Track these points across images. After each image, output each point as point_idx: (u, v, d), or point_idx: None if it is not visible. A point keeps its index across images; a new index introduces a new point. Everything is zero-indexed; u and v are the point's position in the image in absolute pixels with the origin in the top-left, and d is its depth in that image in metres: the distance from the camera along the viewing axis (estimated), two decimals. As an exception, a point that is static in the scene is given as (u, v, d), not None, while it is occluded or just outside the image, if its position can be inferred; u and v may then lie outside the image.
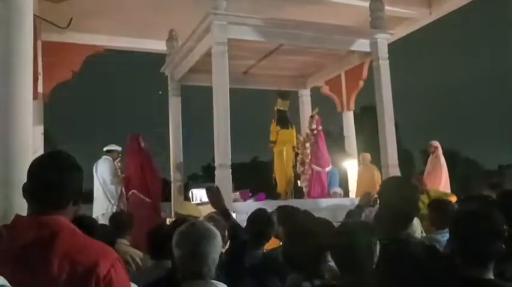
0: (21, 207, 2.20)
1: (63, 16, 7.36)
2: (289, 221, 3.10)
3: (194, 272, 2.01)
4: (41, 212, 1.55)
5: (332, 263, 2.18)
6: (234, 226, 3.12)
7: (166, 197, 7.97)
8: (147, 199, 6.82)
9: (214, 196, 3.20)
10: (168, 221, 7.10)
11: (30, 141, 3.53)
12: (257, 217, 3.12)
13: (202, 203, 5.60)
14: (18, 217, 1.58)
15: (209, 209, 3.52)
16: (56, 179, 1.59)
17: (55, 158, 1.66)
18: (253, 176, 20.18)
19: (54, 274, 1.44)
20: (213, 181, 5.60)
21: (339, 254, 2.11)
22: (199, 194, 6.49)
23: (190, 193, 7.04)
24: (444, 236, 3.53)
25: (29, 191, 1.60)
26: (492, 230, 1.87)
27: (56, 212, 1.56)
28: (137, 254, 3.92)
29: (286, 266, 2.31)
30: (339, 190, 7.66)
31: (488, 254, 1.85)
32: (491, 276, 1.88)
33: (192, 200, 6.71)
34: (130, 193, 6.91)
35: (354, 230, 2.12)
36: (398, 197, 2.33)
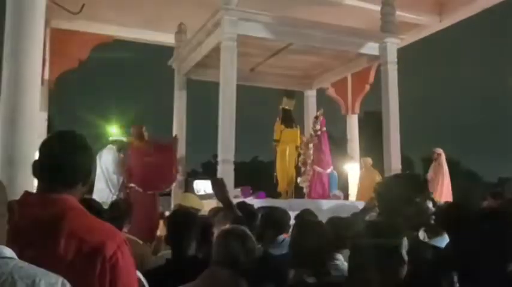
0: (25, 186, 2.18)
1: (74, 3, 7.36)
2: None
3: None
4: (50, 190, 1.54)
5: (338, 262, 2.16)
6: (237, 219, 3.11)
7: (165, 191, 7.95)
8: (142, 191, 6.73)
9: (220, 188, 3.19)
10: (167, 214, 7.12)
11: (37, 123, 3.53)
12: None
13: (205, 195, 5.60)
14: (27, 194, 1.57)
15: (211, 202, 3.52)
16: (67, 159, 1.58)
17: (67, 137, 1.65)
18: (253, 175, 20.18)
19: (60, 253, 1.42)
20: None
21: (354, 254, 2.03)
22: (202, 186, 6.49)
23: (194, 183, 7.03)
24: (441, 242, 3.48)
25: (39, 168, 1.58)
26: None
27: (65, 191, 1.55)
28: (138, 243, 3.90)
29: (293, 262, 2.29)
30: (338, 193, 7.65)
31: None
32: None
33: (196, 192, 6.71)
34: (130, 185, 6.88)
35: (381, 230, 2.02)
36: (396, 195, 2.14)
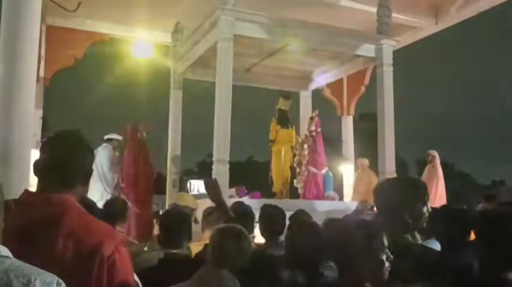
0: (20, 184, 2.16)
1: (71, 1, 7.34)
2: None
3: None
4: (50, 189, 1.55)
5: (333, 263, 2.15)
6: (230, 220, 3.10)
7: (160, 190, 7.95)
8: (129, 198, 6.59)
9: (213, 189, 3.16)
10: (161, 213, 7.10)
11: (32, 121, 3.52)
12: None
13: (200, 195, 5.59)
14: (27, 193, 1.57)
15: (207, 201, 3.52)
16: (68, 159, 1.60)
17: (68, 137, 1.67)
18: (248, 175, 20.16)
19: (59, 252, 1.43)
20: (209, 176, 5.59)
21: (335, 252, 2.08)
22: (197, 185, 6.46)
23: (188, 183, 7.01)
24: (433, 244, 3.47)
25: (41, 168, 1.59)
26: None
27: (65, 191, 1.56)
28: (133, 243, 3.91)
29: (288, 262, 2.29)
30: (332, 194, 7.64)
31: None
32: None
33: (190, 191, 6.67)
34: (123, 185, 6.81)
35: (349, 229, 2.07)
36: (395, 198, 2.18)
